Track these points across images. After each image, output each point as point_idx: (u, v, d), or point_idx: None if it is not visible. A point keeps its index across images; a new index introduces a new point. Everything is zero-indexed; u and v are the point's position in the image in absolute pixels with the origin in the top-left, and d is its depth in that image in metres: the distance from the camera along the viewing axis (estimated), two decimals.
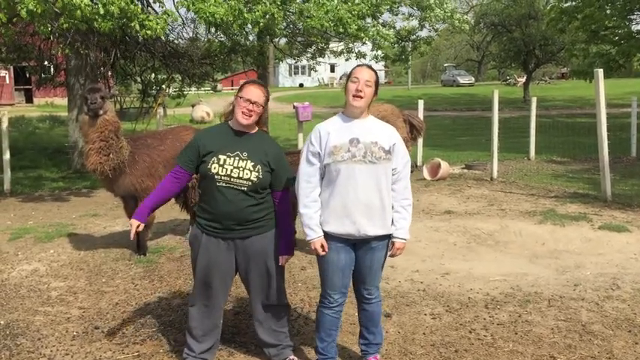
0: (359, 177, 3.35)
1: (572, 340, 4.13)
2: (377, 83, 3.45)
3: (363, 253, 3.49)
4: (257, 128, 3.63)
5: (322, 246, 3.43)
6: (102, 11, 7.54)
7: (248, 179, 3.45)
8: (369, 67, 3.49)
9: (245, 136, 3.56)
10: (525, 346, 4.04)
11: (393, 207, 3.48)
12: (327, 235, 3.47)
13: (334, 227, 3.42)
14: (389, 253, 3.56)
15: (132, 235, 3.57)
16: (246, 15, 8.85)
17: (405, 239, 3.51)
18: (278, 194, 3.62)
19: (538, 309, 4.68)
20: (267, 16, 9.10)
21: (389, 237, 3.52)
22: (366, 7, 10.44)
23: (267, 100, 3.59)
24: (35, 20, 7.90)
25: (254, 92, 3.50)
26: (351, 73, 3.46)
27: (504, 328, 4.35)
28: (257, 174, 3.47)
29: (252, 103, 3.47)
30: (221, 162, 3.46)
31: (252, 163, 3.47)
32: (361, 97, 3.38)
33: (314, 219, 3.43)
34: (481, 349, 4.02)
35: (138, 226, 3.54)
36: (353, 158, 3.35)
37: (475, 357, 3.91)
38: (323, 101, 33.55)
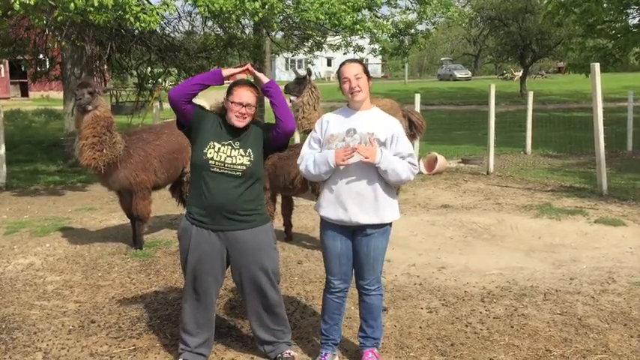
0: (352, 166, 3.42)
1: (568, 334, 4.14)
2: (366, 71, 3.51)
3: (360, 240, 3.54)
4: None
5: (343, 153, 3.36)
6: (96, 3, 7.49)
7: (241, 164, 3.46)
8: (353, 60, 3.58)
9: (239, 129, 3.55)
10: (521, 340, 4.05)
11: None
12: (324, 222, 3.59)
13: (328, 212, 3.53)
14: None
15: (242, 69, 3.48)
16: (247, 4, 8.80)
17: (377, 158, 3.36)
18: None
19: (534, 303, 4.69)
20: (267, 7, 9.08)
21: (386, 226, 3.56)
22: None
23: (258, 98, 3.55)
24: (29, 13, 7.84)
25: (245, 94, 3.45)
26: (339, 73, 3.50)
27: (500, 321, 4.36)
28: (249, 157, 3.48)
29: (245, 106, 3.45)
30: (216, 149, 3.47)
31: (244, 149, 3.49)
32: (359, 91, 3.46)
33: (316, 155, 3.49)
34: (477, 342, 4.03)
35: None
36: None
37: (471, 350, 3.92)
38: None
